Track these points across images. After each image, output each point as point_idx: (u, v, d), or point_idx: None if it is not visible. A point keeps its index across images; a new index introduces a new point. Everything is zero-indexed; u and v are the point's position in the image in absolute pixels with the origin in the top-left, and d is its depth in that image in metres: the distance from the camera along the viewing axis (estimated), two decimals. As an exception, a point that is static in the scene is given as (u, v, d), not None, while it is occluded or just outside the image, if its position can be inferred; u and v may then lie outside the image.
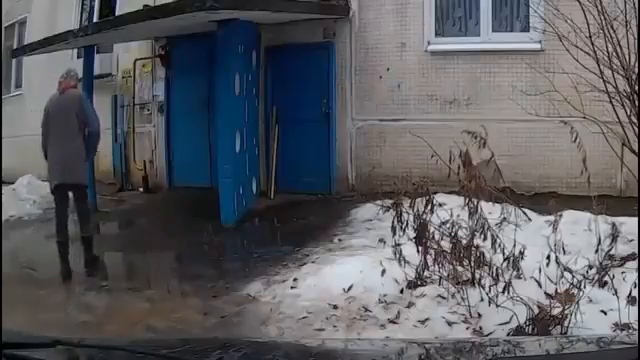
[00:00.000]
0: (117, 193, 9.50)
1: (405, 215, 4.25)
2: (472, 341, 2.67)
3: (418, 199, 4.23)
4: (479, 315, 4.06)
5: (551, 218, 4.37)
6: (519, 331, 3.67)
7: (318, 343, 2.42)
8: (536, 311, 3.67)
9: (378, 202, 6.42)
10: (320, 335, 4.08)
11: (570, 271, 3.95)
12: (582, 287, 3.82)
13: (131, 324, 4.54)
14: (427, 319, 4.13)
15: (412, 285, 4.46)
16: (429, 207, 4.19)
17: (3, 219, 7.55)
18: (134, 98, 9.53)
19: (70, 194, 5.94)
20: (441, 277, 4.32)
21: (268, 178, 8.32)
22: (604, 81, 5.05)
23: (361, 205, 7.13)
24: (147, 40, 9.21)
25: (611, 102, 5.08)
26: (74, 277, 5.74)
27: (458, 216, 4.24)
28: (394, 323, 4.18)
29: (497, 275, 3.98)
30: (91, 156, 6.34)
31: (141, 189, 9.07)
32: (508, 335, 3.65)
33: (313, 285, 4.82)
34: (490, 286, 4.00)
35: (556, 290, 3.91)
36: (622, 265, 4.27)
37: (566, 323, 3.63)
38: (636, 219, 4.37)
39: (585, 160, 4.22)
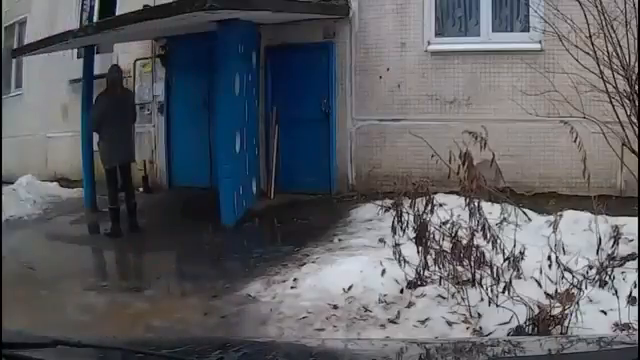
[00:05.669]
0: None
1: (405, 215, 4.25)
2: (472, 341, 2.67)
3: (418, 199, 4.23)
4: (479, 315, 4.06)
5: (551, 218, 4.37)
6: (519, 331, 3.67)
7: (318, 343, 2.42)
8: (536, 311, 3.67)
9: (378, 202, 6.42)
10: (320, 335, 4.07)
11: (570, 271, 3.95)
12: (582, 287, 3.82)
13: (131, 324, 4.54)
14: (427, 319, 4.13)
15: (412, 285, 4.46)
16: (429, 207, 4.19)
17: (3, 219, 7.56)
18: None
19: (119, 171, 7.34)
20: (441, 277, 4.32)
21: (268, 178, 8.31)
22: (604, 81, 5.06)
23: (361, 205, 7.13)
24: (147, 40, 9.21)
25: (611, 102, 5.09)
26: (74, 277, 5.74)
27: (458, 216, 4.24)
28: (394, 323, 4.18)
29: (497, 275, 3.98)
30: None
31: (141, 189, 9.05)
32: (508, 335, 3.65)
33: (313, 285, 4.82)
34: (490, 286, 4.00)
35: (556, 290, 3.91)
36: (622, 265, 4.27)
37: (566, 323, 3.63)
38: (636, 219, 4.37)
39: (585, 160, 4.22)
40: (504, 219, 4.62)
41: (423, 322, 4.12)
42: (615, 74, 5.00)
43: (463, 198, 4.22)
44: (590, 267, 4.11)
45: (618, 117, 5.09)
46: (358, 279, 4.67)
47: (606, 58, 5.01)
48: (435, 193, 4.35)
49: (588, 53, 5.14)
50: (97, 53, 9.12)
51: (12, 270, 5.58)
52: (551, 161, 7.11)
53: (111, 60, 9.04)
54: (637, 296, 3.82)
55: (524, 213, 5.69)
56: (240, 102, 7.58)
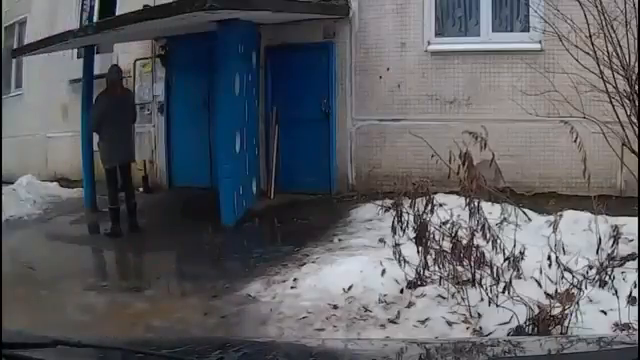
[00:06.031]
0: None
1: (405, 215, 4.24)
2: (472, 341, 2.67)
3: (418, 199, 4.23)
4: (479, 315, 4.06)
5: (551, 218, 4.37)
6: (519, 331, 3.67)
7: (318, 343, 2.42)
8: (536, 311, 3.67)
9: (378, 202, 6.41)
10: (320, 335, 4.07)
11: (570, 271, 3.96)
12: (582, 287, 3.82)
13: (131, 324, 4.54)
14: (427, 319, 4.13)
15: (412, 285, 4.46)
16: (429, 207, 4.19)
17: (3, 219, 7.56)
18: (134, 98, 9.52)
19: (119, 171, 7.34)
20: (441, 277, 4.32)
21: (268, 178, 8.31)
22: (604, 81, 5.06)
23: (361, 205, 7.13)
24: (147, 40, 9.21)
25: (611, 102, 5.09)
26: (74, 277, 5.74)
27: (458, 216, 4.24)
28: (394, 323, 4.18)
29: (497, 275, 3.98)
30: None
31: (141, 189, 9.06)
32: (508, 335, 3.65)
33: (313, 285, 4.82)
34: (490, 286, 4.00)
35: (556, 290, 3.91)
36: (622, 265, 4.27)
37: (566, 323, 3.63)
38: (636, 219, 4.37)
39: (585, 160, 4.22)
40: (504, 219, 4.62)
41: (423, 322, 4.12)
42: (615, 74, 5.01)
43: (463, 198, 4.22)
44: (590, 267, 4.11)
45: (618, 117, 5.09)
46: (358, 279, 4.67)
47: (606, 58, 5.02)
48: (435, 193, 4.35)
49: (588, 53, 5.14)
50: (97, 53, 9.12)
51: (12, 270, 5.58)
52: (551, 161, 7.11)
53: (111, 60, 9.04)
54: (637, 296, 3.82)
55: (524, 213, 5.69)
56: (240, 102, 7.58)
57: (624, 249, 4.37)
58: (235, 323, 4.55)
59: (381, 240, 4.67)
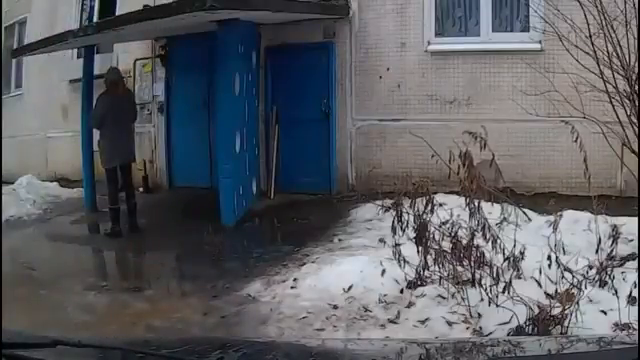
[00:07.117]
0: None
1: (405, 215, 4.25)
2: (472, 341, 2.67)
3: (418, 199, 4.23)
4: (479, 315, 4.06)
5: (551, 218, 4.37)
6: (519, 331, 3.67)
7: (318, 343, 2.42)
8: (536, 311, 3.67)
9: (378, 202, 6.42)
10: (320, 335, 4.07)
11: (570, 271, 3.96)
12: (582, 287, 3.82)
13: (131, 324, 4.54)
14: (427, 319, 4.13)
15: (412, 285, 4.46)
16: (429, 207, 4.19)
17: (3, 219, 7.56)
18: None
19: (119, 171, 7.35)
20: (441, 277, 4.32)
21: (268, 178, 8.32)
22: (604, 81, 5.07)
23: (361, 205, 7.13)
24: (147, 40, 9.21)
25: (611, 102, 5.09)
26: (74, 277, 5.74)
27: (458, 216, 4.24)
28: (394, 323, 4.18)
29: (497, 275, 3.98)
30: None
31: (141, 189, 9.06)
32: (508, 335, 3.65)
33: (313, 285, 4.82)
34: (490, 286, 4.00)
35: (556, 290, 3.91)
36: (622, 265, 4.27)
37: (566, 323, 3.63)
38: (636, 219, 4.37)
39: (585, 160, 4.23)
40: (504, 219, 4.62)
41: (423, 322, 4.12)
42: (615, 74, 5.01)
43: (463, 198, 4.22)
44: (590, 267, 4.11)
45: (618, 117, 5.10)
46: (358, 279, 4.67)
47: (606, 58, 5.02)
48: (435, 193, 4.35)
49: (588, 53, 5.15)
50: (97, 53, 9.12)
51: (12, 270, 5.58)
52: (551, 161, 7.11)
53: (111, 60, 9.05)
54: (637, 296, 3.82)
55: (524, 213, 5.69)
56: (240, 102, 7.58)
57: (624, 249, 4.37)
58: (235, 323, 4.55)
59: (381, 240, 4.67)
